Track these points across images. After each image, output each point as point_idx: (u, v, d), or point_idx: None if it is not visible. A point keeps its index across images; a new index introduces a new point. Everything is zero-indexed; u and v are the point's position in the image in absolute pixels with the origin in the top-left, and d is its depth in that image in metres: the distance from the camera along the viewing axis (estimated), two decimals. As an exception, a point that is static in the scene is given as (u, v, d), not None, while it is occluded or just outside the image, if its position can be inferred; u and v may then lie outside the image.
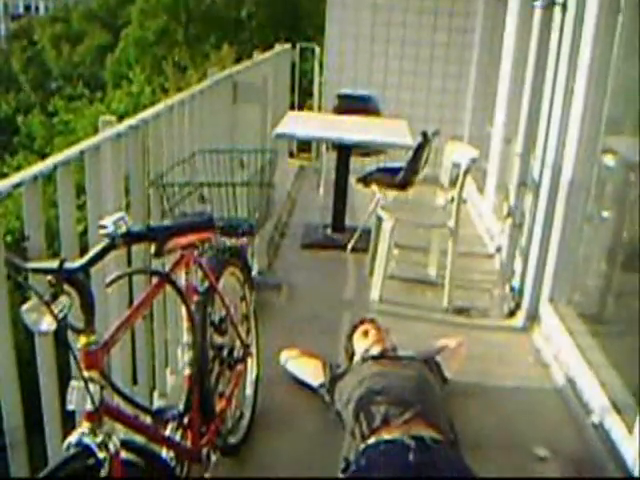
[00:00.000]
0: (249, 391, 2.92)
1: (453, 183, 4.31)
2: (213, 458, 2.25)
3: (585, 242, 3.93)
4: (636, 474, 2.59)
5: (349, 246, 4.97)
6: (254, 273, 4.02)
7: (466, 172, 4.06)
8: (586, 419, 3.08)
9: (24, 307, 1.36)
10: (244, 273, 2.74)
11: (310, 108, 8.00)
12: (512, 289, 4.22)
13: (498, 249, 4.83)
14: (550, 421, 3.17)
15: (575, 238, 3.82)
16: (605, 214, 4.03)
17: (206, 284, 2.28)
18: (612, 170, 3.95)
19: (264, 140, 4.39)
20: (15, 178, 1.50)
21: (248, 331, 2.80)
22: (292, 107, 7.39)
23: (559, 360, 3.56)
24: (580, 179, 3.69)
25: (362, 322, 3.31)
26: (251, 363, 2.91)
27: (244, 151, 2.95)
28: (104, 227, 1.42)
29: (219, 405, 2.41)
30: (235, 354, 2.60)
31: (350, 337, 3.27)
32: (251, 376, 2.94)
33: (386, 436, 2.47)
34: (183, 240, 1.99)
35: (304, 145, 7.58)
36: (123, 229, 1.41)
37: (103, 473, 1.46)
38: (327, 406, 3.03)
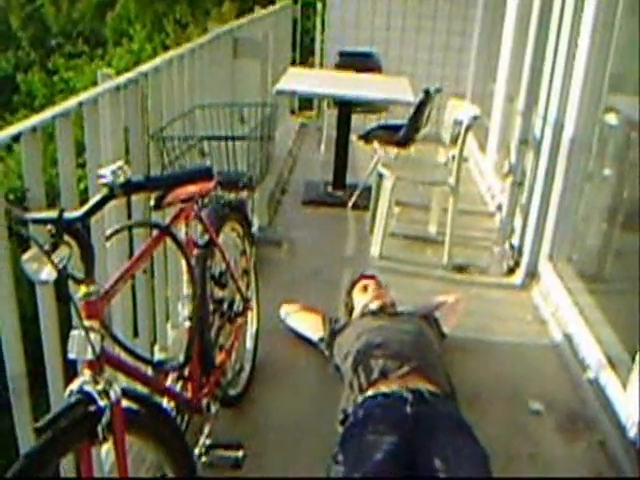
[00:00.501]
0: (249, 344, 2.95)
1: (454, 141, 4.30)
2: (213, 409, 2.29)
3: (585, 201, 3.93)
4: (629, 429, 2.63)
5: (350, 203, 4.98)
6: (254, 229, 4.03)
7: (467, 129, 4.05)
8: (582, 375, 3.12)
9: (24, 257, 1.37)
10: (244, 227, 2.75)
11: (312, 65, 7.93)
12: (512, 247, 4.23)
13: (499, 207, 4.84)
14: (546, 376, 3.21)
15: (575, 196, 3.82)
16: (606, 173, 4.02)
17: (206, 237, 2.30)
18: (615, 129, 3.93)
19: (264, 96, 4.35)
20: (13, 129, 1.51)
21: (248, 285, 2.82)
22: (293, 64, 7.33)
23: (557, 317, 3.58)
24: (582, 137, 3.68)
25: (362, 278, 3.34)
26: (251, 317, 2.94)
27: (244, 105, 2.94)
28: (102, 177, 1.42)
29: (219, 357, 2.44)
30: (235, 308, 2.63)
31: (350, 292, 3.30)
32: (251, 330, 2.97)
33: (384, 389, 2.51)
34: (183, 193, 2.00)
35: (306, 102, 7.53)
36: (122, 179, 1.42)
37: (104, 420, 1.48)
38: (326, 360, 3.07)
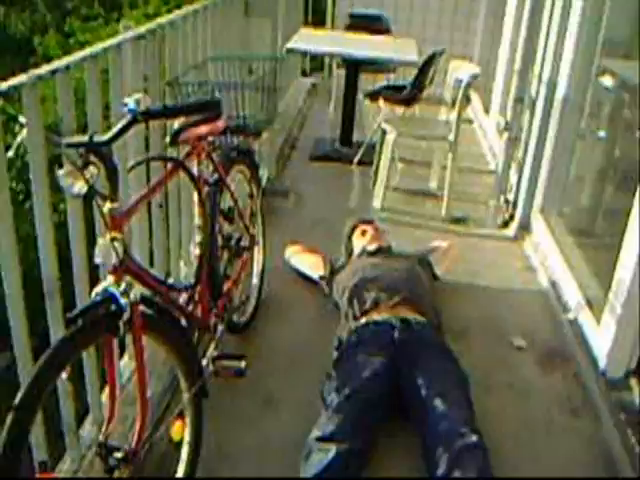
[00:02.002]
0: (255, 281, 3.21)
1: (455, 101, 4.49)
2: (220, 328, 2.55)
3: (577, 158, 4.13)
4: (599, 361, 2.88)
5: (355, 159, 5.20)
6: (263, 180, 4.25)
7: (467, 87, 4.24)
8: (563, 316, 3.35)
9: (60, 172, 1.61)
10: (252, 171, 2.99)
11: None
12: (507, 201, 4.45)
13: (498, 167, 5.04)
14: (531, 318, 3.45)
15: (567, 153, 4.03)
16: (599, 132, 4.22)
17: (215, 176, 2.54)
18: (610, 90, 4.11)
19: (274, 53, 4.57)
20: (52, 66, 1.75)
21: (254, 225, 3.07)
22: (306, 25, 7.49)
23: (545, 265, 3.82)
24: (574, 97, 3.88)
25: (361, 222, 3.57)
26: (257, 254, 3.19)
27: (252, 58, 3.17)
28: (126, 105, 1.66)
29: (226, 285, 2.69)
30: (242, 243, 2.88)
31: (349, 236, 3.53)
32: (257, 267, 3.22)
33: (375, 317, 2.76)
34: (196, 132, 2.25)
35: (316, 63, 7.73)
36: (143, 107, 1.66)
37: (125, 316, 1.74)
38: (326, 297, 3.32)
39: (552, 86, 3.92)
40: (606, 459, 2.52)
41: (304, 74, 7.58)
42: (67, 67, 1.78)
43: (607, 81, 4.05)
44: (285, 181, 4.74)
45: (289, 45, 4.93)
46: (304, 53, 6.38)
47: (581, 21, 3.72)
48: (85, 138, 1.65)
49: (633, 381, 2.77)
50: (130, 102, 1.66)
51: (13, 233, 1.64)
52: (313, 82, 7.45)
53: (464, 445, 2.24)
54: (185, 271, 3.18)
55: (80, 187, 1.64)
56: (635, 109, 3.72)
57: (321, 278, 3.38)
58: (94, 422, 2.26)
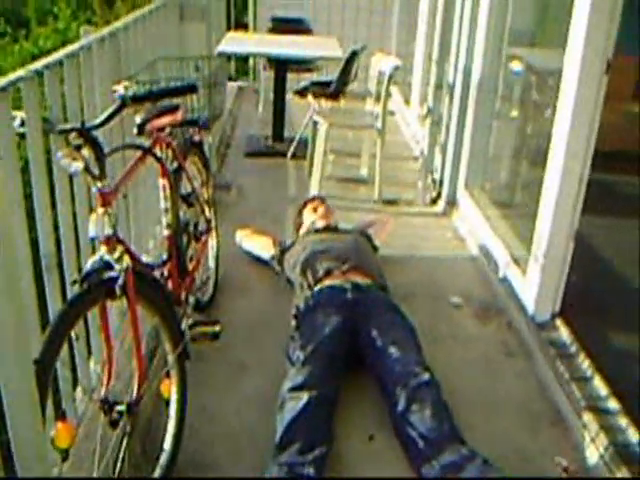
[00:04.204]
0: (212, 263, 3.46)
1: (379, 96, 4.83)
2: (191, 300, 2.80)
3: (494, 137, 4.52)
4: (528, 309, 3.24)
5: (289, 153, 5.48)
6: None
7: (390, 78, 4.59)
8: (494, 275, 3.72)
9: (59, 153, 1.84)
10: (202, 161, 3.24)
11: (246, 31, 8.34)
12: (433, 181, 4.82)
13: (422, 152, 5.41)
14: (465, 279, 3.82)
15: (485, 133, 4.41)
16: (512, 112, 4.63)
17: (175, 164, 2.78)
18: (519, 74, 4.53)
19: (210, 55, 4.80)
20: (43, 62, 1.96)
21: (210, 210, 3.32)
22: (228, 29, 7.73)
23: (473, 234, 4.19)
24: (487, 82, 4.27)
25: (313, 199, 3.87)
26: (212, 240, 3.44)
27: (198, 57, 3.42)
28: (116, 92, 1.90)
29: (191, 265, 2.94)
30: (200, 228, 3.12)
31: (301, 211, 3.82)
32: (212, 251, 3.47)
33: (328, 283, 3.05)
34: (158, 123, 2.49)
35: (241, 68, 7.99)
36: (130, 93, 1.90)
37: (120, 281, 1.96)
38: (278, 275, 3.59)
39: (467, 73, 4.30)
40: (541, 387, 2.89)
41: (229, 79, 7.82)
42: (58, 63, 2.00)
43: (516, 66, 4.46)
44: (225, 176, 4.99)
45: (220, 48, 5.17)
46: (229, 57, 6.63)
47: (489, 14, 4.11)
48: (78, 124, 1.88)
49: (558, 321, 3.15)
50: (120, 89, 1.90)
51: (24, 210, 1.85)
52: (240, 85, 7.72)
53: (418, 383, 2.56)
54: (144, 259, 3.39)
55: (77, 166, 1.86)
56: (542, 90, 4.14)
57: (272, 258, 3.65)
58: (84, 392, 2.47)
